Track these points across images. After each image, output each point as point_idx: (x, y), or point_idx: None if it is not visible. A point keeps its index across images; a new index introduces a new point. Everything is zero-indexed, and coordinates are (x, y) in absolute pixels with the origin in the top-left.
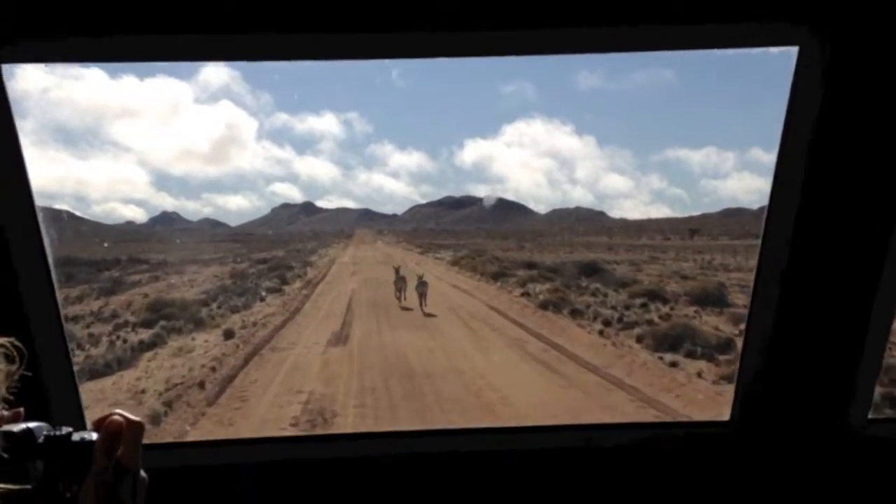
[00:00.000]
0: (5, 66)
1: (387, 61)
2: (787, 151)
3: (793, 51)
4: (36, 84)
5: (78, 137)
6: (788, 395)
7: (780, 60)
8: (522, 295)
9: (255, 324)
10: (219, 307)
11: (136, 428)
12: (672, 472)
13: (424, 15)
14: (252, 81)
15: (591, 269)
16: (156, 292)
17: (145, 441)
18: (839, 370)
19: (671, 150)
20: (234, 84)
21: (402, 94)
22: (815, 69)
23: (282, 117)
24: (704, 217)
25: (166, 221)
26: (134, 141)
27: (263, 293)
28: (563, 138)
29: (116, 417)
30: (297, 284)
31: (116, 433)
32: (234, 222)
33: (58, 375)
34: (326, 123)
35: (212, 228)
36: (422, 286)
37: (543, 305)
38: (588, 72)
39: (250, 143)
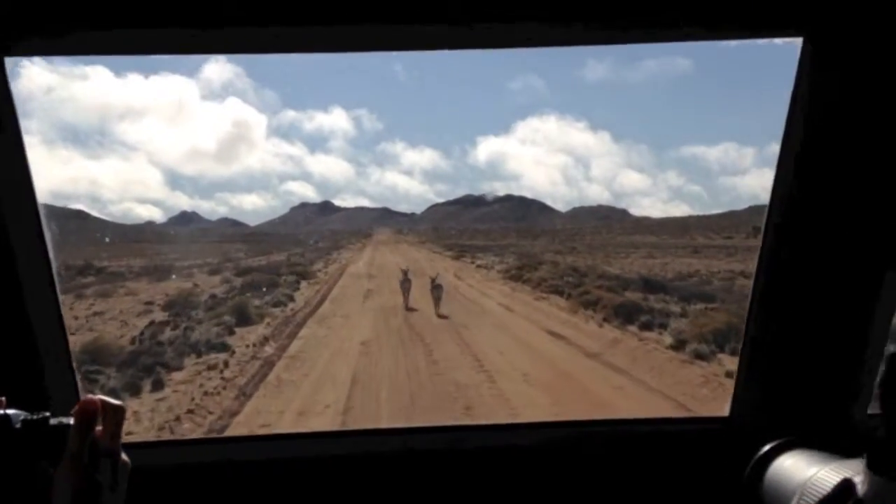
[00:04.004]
0: (8, 60)
1: (389, 55)
2: (789, 145)
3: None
4: (40, 84)
5: (86, 137)
6: (788, 391)
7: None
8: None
9: None
10: None
11: (115, 410)
12: (668, 468)
13: (428, 6)
14: (255, 77)
15: None
16: None
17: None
18: (840, 365)
19: (687, 146)
20: (238, 80)
21: (408, 90)
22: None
23: (289, 114)
24: (732, 214)
25: (185, 221)
26: (143, 140)
27: (170, 369)
28: (577, 134)
29: (92, 397)
30: (261, 329)
31: (91, 413)
32: (252, 221)
33: (58, 375)
34: (335, 120)
35: (230, 228)
36: (437, 290)
37: None
38: (595, 61)
39: (260, 140)
